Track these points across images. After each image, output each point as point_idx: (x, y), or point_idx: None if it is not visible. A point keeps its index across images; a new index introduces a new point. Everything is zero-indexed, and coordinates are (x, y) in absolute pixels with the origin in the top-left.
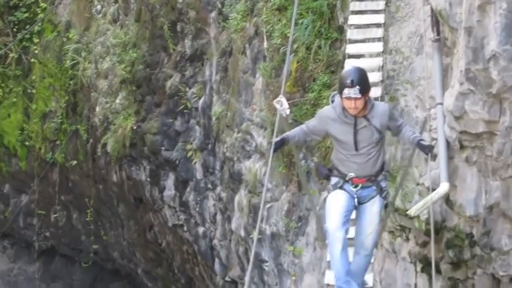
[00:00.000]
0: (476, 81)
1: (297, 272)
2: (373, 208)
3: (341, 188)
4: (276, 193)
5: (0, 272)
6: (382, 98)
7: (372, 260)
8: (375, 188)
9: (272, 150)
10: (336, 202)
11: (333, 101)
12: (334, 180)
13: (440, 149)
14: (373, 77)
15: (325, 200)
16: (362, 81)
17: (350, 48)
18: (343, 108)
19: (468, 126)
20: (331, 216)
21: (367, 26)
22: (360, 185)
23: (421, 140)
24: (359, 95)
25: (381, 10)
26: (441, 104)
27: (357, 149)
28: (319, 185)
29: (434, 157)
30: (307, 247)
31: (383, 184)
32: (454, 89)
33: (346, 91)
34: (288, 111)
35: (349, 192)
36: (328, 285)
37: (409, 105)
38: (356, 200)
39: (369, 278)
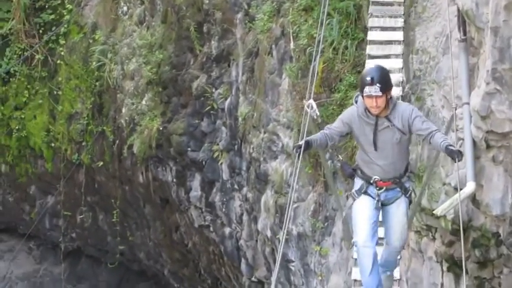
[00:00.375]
0: (503, 81)
1: (323, 272)
2: (399, 209)
3: (365, 192)
4: (303, 193)
5: (26, 273)
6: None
7: (399, 257)
8: (399, 190)
9: (300, 152)
10: (362, 212)
11: (356, 101)
12: (358, 183)
13: (467, 149)
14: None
15: (351, 206)
16: (383, 79)
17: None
18: (365, 108)
19: (494, 125)
20: (359, 229)
21: (387, 42)
22: (385, 188)
23: (450, 145)
24: (380, 93)
25: (399, 27)
26: (468, 103)
27: (376, 149)
28: (345, 185)
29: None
30: (334, 247)
31: (407, 185)
32: (481, 88)
33: (366, 89)
34: (317, 115)
35: (373, 197)
36: (355, 280)
37: (436, 105)
38: (379, 202)
39: (396, 271)
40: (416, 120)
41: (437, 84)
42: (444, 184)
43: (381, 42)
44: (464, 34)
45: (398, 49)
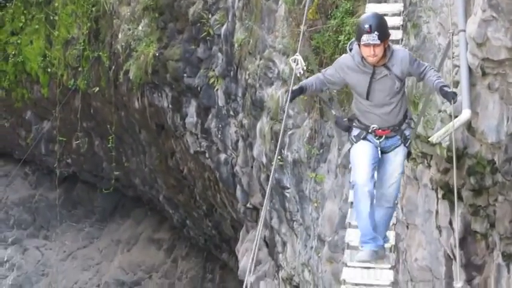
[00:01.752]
0: (499, 8)
1: (318, 199)
2: (396, 158)
3: (364, 138)
4: (298, 120)
5: (21, 198)
6: (402, 41)
7: (395, 214)
8: (399, 138)
9: (289, 98)
10: (361, 153)
11: (350, 49)
12: (356, 131)
13: (463, 76)
14: (394, 22)
15: (349, 151)
16: (381, 26)
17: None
18: (362, 57)
19: (490, 53)
20: (359, 169)
21: None
22: (384, 136)
23: (445, 86)
24: (378, 41)
25: None
26: (464, 31)
27: (368, 98)
28: (341, 111)
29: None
30: (329, 174)
31: (407, 132)
32: (477, 16)
33: (364, 37)
34: (302, 71)
35: (372, 143)
36: (352, 203)
37: (432, 32)
38: (379, 150)
39: (390, 234)
40: (415, 65)
41: (434, 11)
42: (440, 111)
43: None
44: None
45: None
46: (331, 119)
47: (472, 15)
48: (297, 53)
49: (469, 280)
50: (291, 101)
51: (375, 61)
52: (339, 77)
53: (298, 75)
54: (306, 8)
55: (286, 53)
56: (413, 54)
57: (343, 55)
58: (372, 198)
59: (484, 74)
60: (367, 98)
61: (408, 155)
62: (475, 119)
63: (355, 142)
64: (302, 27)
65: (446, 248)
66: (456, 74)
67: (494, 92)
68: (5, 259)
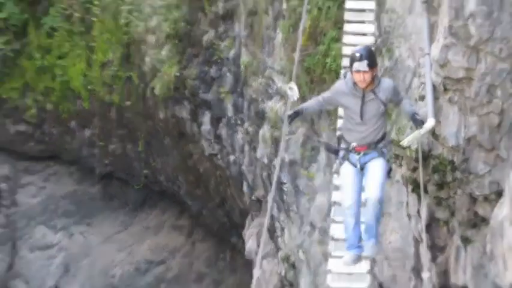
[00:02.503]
0: (458, 35)
1: (310, 193)
2: (376, 164)
3: (348, 159)
4: (293, 128)
5: (68, 192)
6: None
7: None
8: (376, 152)
9: (287, 122)
10: (347, 179)
11: (345, 77)
12: (341, 153)
13: (428, 91)
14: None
15: (337, 170)
16: (370, 56)
17: (347, 27)
18: (354, 83)
19: (451, 72)
20: (346, 194)
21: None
22: (362, 153)
23: (416, 113)
24: (367, 68)
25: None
26: (428, 54)
27: (362, 118)
28: (329, 121)
29: (420, 124)
30: (319, 172)
31: (384, 150)
32: (439, 42)
33: (355, 65)
34: (296, 98)
35: (354, 163)
36: (334, 202)
37: (402, 56)
38: (359, 166)
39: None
40: (397, 93)
41: (404, 38)
42: (409, 120)
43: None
44: None
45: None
46: (320, 127)
47: (436, 41)
48: (292, 81)
49: (433, 259)
50: (289, 123)
51: (364, 86)
52: (335, 100)
53: (294, 99)
54: (300, 35)
55: (283, 72)
56: (387, 74)
57: (339, 81)
58: (357, 217)
59: (445, 89)
60: (361, 118)
61: (390, 171)
62: (438, 126)
63: (342, 163)
64: (297, 53)
65: (415, 232)
66: (422, 90)
67: (453, 104)
68: (55, 242)
